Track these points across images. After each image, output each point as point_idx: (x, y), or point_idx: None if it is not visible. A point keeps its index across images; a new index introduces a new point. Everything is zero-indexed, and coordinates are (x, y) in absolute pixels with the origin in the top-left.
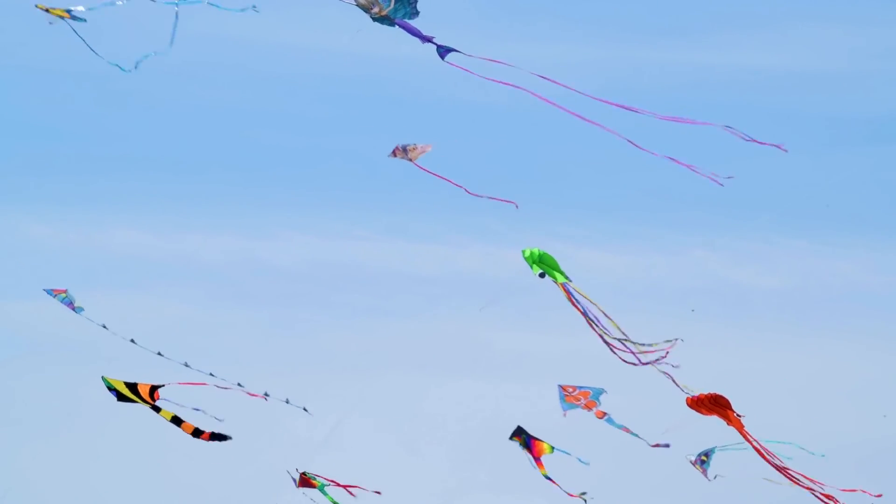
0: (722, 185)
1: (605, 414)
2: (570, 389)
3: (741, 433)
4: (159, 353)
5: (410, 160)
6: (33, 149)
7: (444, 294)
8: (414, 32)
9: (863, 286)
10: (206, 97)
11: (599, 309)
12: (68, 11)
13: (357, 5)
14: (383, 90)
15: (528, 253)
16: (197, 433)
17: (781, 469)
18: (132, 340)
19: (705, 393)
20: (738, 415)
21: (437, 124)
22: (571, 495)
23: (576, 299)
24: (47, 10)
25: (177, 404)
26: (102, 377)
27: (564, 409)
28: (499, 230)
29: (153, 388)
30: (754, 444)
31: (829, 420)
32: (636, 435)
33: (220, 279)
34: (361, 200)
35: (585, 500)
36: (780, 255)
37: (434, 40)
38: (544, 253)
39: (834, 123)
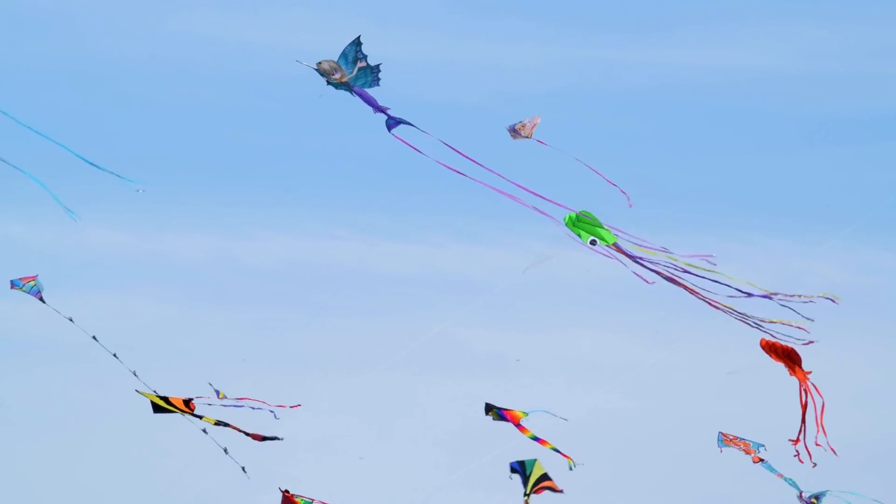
0: None
1: (762, 460)
2: (732, 437)
3: (803, 386)
4: (115, 355)
5: (528, 137)
6: (8, 147)
7: (422, 294)
8: (369, 101)
9: (845, 286)
10: (183, 97)
11: (662, 253)
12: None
13: (317, 70)
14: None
15: (567, 218)
16: (247, 434)
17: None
18: (94, 339)
19: (782, 343)
20: (805, 372)
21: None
22: (564, 455)
23: (632, 255)
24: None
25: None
26: (136, 390)
27: (720, 447)
28: (477, 230)
29: (186, 401)
30: (815, 403)
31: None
32: (790, 482)
33: (198, 279)
34: (340, 200)
35: (572, 468)
36: (762, 255)
37: (388, 111)
38: (583, 212)
39: (813, 123)
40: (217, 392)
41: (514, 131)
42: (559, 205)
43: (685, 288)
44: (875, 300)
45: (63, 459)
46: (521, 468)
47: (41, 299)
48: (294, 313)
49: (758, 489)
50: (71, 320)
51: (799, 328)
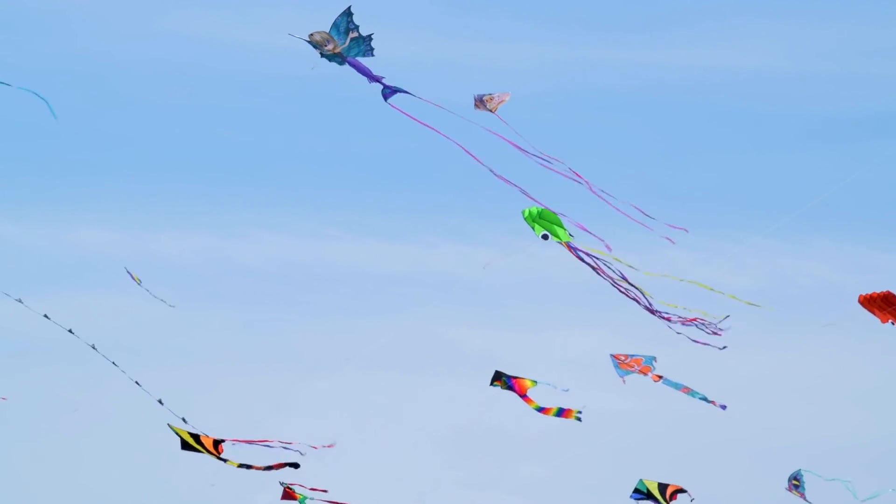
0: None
1: (661, 377)
2: (623, 357)
3: None
4: (93, 347)
5: (491, 111)
6: (1, 149)
7: (414, 293)
8: (363, 71)
9: (834, 285)
10: (174, 98)
11: (610, 265)
12: None
13: (310, 41)
14: (354, 89)
15: (527, 213)
16: (267, 468)
17: None
18: (45, 317)
19: (877, 292)
20: None
21: (408, 122)
22: (567, 413)
23: (581, 257)
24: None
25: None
26: (168, 424)
27: (621, 376)
28: (469, 230)
29: (216, 442)
30: None
31: (804, 418)
32: (697, 394)
33: (191, 278)
34: (331, 200)
35: (580, 419)
36: (750, 255)
37: (383, 80)
38: (544, 210)
39: (806, 123)
40: (131, 275)
41: (481, 101)
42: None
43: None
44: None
45: (52, 457)
46: (641, 494)
47: None
48: (286, 312)
49: (753, 486)
50: (20, 301)
51: (714, 332)
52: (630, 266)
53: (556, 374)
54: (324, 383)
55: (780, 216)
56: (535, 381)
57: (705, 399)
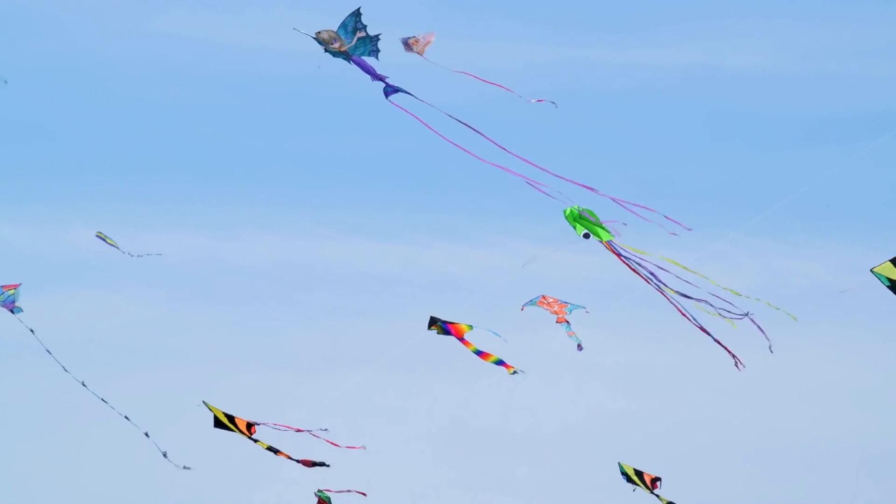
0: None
1: (566, 321)
2: (551, 300)
3: None
4: (84, 384)
5: (419, 54)
6: None
7: (408, 293)
8: (368, 70)
9: (827, 285)
10: (169, 97)
11: (652, 264)
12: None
13: (316, 39)
14: (349, 90)
15: (568, 212)
16: (296, 461)
17: None
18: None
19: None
20: None
21: (401, 122)
22: (506, 366)
23: (625, 257)
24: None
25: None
26: (203, 401)
27: (524, 306)
28: (463, 229)
29: (249, 425)
30: None
31: (800, 418)
32: (575, 338)
33: (186, 279)
34: (326, 200)
35: (517, 372)
36: (743, 255)
37: (386, 80)
38: (585, 209)
39: (799, 123)
40: (104, 239)
41: (407, 45)
42: (571, 181)
43: (663, 294)
44: (864, 299)
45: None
46: (625, 476)
47: None
48: (281, 312)
49: (753, 486)
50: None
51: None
52: (684, 267)
53: (557, 373)
54: (321, 382)
55: (780, 216)
56: (472, 326)
57: (579, 343)
